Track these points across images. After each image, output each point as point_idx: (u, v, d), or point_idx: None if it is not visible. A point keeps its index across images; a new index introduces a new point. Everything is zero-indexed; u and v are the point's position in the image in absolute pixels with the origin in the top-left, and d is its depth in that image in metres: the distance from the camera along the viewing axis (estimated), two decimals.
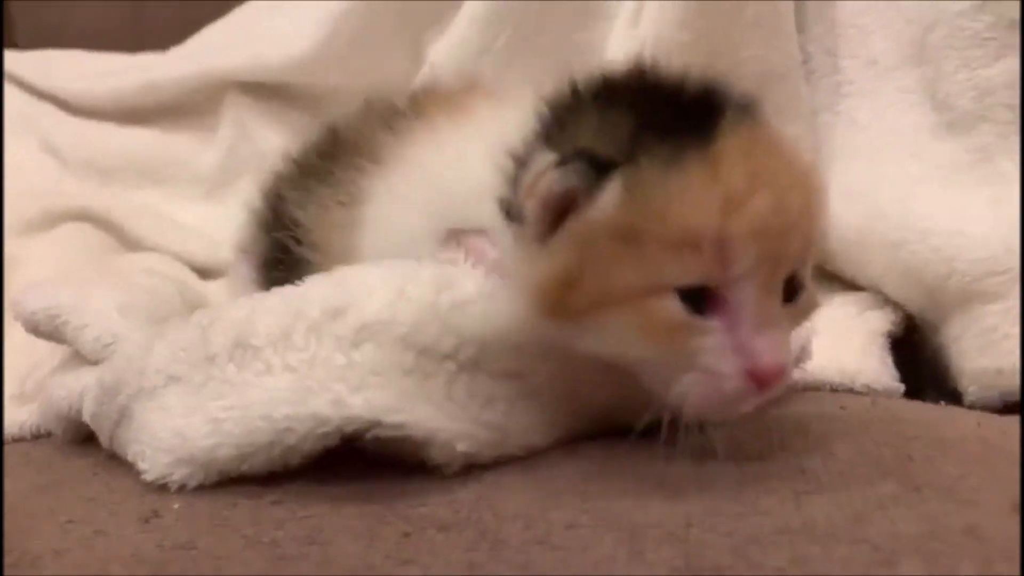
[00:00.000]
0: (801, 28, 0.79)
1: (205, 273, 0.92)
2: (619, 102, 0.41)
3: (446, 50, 0.88)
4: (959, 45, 0.64)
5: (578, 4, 0.84)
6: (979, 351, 0.58)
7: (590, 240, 0.39)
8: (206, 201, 1.03)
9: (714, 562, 0.32)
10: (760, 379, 0.38)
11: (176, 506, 0.42)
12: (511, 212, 0.42)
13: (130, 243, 0.98)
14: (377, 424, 0.40)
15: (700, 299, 0.38)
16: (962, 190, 0.63)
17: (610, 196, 0.38)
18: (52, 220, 0.98)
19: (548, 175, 0.39)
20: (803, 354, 0.52)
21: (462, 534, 0.36)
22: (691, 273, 0.38)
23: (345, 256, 0.50)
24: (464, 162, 0.46)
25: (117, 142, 1.06)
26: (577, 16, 0.84)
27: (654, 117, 0.40)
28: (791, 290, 0.41)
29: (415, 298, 0.42)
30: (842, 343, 0.60)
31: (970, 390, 0.58)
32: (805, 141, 0.76)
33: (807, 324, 0.53)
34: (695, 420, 0.40)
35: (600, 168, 0.39)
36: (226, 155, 1.01)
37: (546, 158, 0.40)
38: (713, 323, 0.39)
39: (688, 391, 0.39)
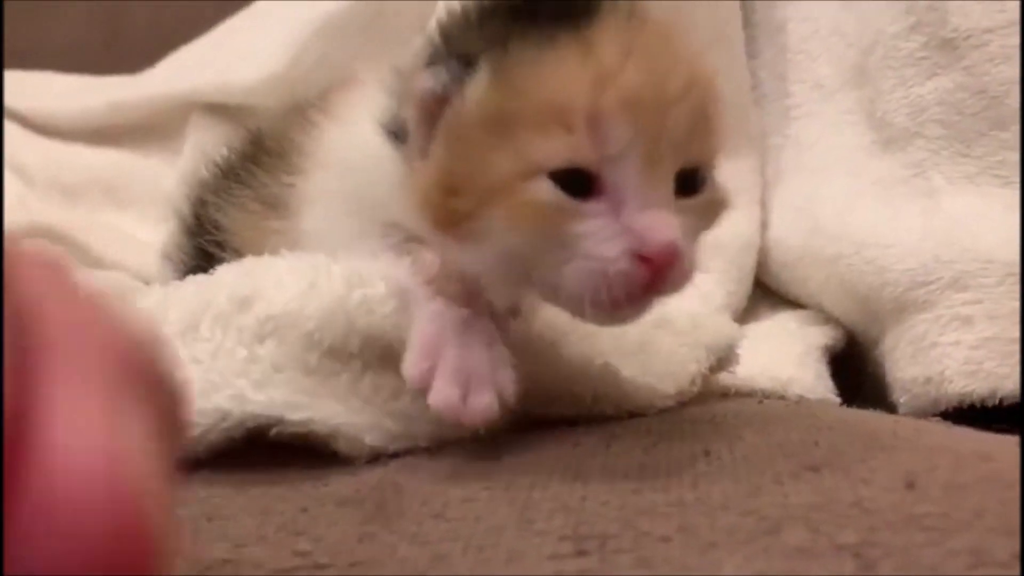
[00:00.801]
0: (753, 54, 0.81)
1: None
2: (500, 8, 0.40)
3: None
4: (895, 65, 0.65)
5: None
6: (910, 360, 0.58)
7: (462, 135, 0.37)
8: (170, 221, 1.03)
9: (602, 530, 0.31)
10: (647, 259, 0.36)
11: None
12: (397, 132, 0.40)
13: (92, 261, 0.98)
14: (279, 421, 0.40)
15: (579, 182, 0.36)
16: (897, 204, 0.64)
17: (477, 84, 0.37)
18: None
19: (418, 77, 0.38)
20: (731, 356, 0.52)
21: (359, 509, 0.36)
22: (560, 153, 0.36)
23: None
24: (367, 141, 0.44)
25: (83, 162, 1.06)
26: None
27: (530, 12, 0.38)
28: (691, 183, 0.39)
29: (324, 293, 0.41)
30: (778, 354, 0.60)
31: (902, 399, 0.58)
32: (754, 164, 0.78)
33: (733, 327, 0.54)
34: (591, 320, 0.39)
35: (472, 65, 0.38)
36: (185, 177, 1.01)
37: (417, 64, 0.39)
38: (594, 206, 0.37)
39: (572, 283, 0.37)
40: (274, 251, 0.48)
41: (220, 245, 0.53)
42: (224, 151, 0.61)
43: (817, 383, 0.60)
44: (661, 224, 0.36)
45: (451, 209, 0.38)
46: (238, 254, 0.51)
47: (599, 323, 0.40)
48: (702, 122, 0.39)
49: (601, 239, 0.36)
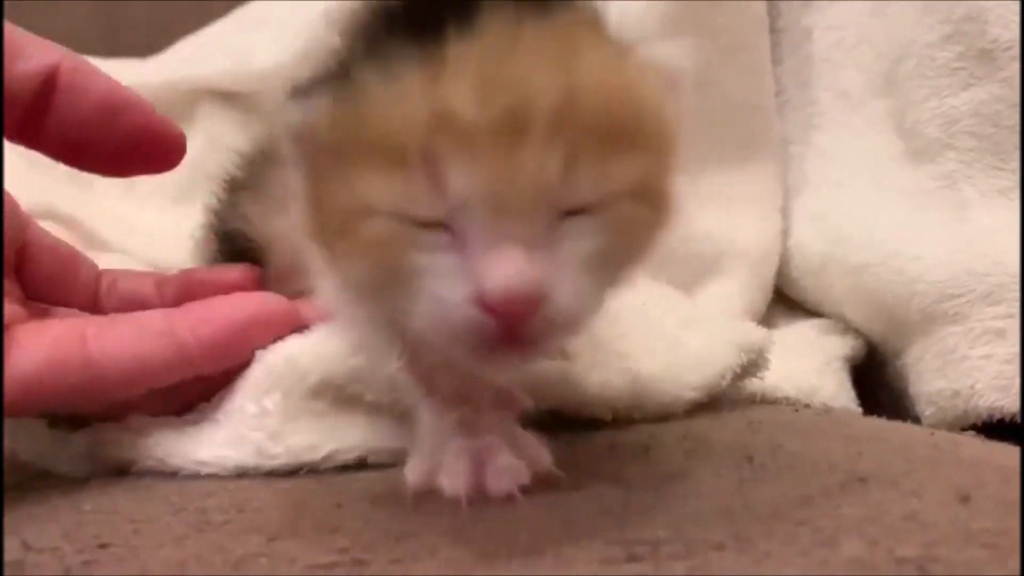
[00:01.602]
0: (777, 61, 0.80)
1: None
2: (380, 14, 0.34)
3: None
4: (929, 74, 0.64)
5: None
6: (937, 372, 0.57)
7: (312, 163, 0.33)
8: (174, 207, 1.02)
9: (652, 536, 0.30)
10: (489, 306, 0.29)
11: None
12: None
13: (98, 245, 0.97)
14: (303, 465, 0.40)
15: None
16: (925, 215, 0.63)
17: (319, 111, 0.32)
18: None
19: (284, 109, 0.34)
20: (761, 360, 0.51)
21: (395, 506, 0.35)
22: (398, 197, 0.30)
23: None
24: None
25: None
26: None
27: (405, 20, 0.32)
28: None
29: (321, 350, 0.41)
30: (800, 362, 0.60)
31: (927, 412, 0.57)
32: (775, 171, 0.77)
33: (764, 331, 0.53)
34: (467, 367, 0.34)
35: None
36: (193, 164, 1.00)
37: (285, 92, 0.35)
38: (439, 236, 0.31)
39: (422, 326, 0.31)
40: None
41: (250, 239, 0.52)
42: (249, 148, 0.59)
43: (840, 393, 0.59)
44: (508, 266, 0.29)
45: (314, 243, 0.34)
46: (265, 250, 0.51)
47: (476, 371, 0.35)
48: (599, 150, 0.30)
49: (443, 277, 0.30)
